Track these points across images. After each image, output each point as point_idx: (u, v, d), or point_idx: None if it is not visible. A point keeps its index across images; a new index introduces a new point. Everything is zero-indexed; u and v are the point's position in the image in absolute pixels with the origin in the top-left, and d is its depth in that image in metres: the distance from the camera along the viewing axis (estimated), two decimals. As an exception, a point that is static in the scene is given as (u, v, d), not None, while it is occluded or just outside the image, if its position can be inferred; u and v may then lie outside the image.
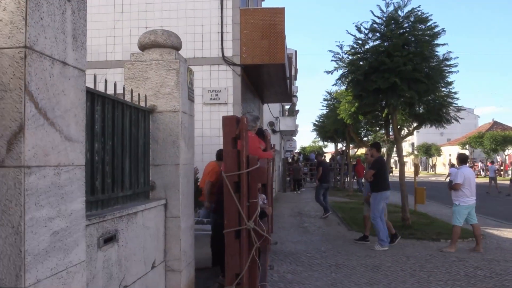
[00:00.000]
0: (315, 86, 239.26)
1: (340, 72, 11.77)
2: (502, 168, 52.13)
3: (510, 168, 51.58)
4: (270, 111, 23.19)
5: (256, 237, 5.02)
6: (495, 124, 65.31)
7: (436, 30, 10.83)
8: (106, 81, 3.64)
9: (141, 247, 4.04)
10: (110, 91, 3.83)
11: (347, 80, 11.69)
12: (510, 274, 7.21)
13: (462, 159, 9.70)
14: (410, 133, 14.64)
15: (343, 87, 13.60)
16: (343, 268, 7.51)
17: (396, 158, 52.79)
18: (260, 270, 5.49)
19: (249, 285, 4.92)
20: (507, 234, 11.26)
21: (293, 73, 22.16)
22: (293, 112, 32.86)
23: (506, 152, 47.93)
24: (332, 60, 11.65)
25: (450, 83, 11.96)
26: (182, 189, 4.78)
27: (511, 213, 16.91)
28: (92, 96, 3.38)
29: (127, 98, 4.26)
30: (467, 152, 58.93)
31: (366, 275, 7.08)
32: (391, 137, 15.48)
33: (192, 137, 5.31)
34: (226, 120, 4.97)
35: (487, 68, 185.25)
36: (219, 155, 8.28)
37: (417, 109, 13.00)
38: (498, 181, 29.99)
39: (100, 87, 3.52)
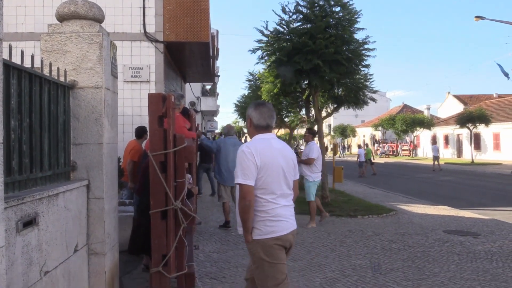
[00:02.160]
0: (237, 67, 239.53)
1: (264, 51, 11.82)
2: (410, 148, 55.62)
3: (400, 148, 55.17)
4: (192, 90, 22.91)
5: (183, 217, 4.95)
6: (405, 107, 69.34)
7: (355, 16, 11.17)
8: (22, 52, 3.36)
9: (63, 230, 3.83)
10: (27, 65, 3.54)
11: (270, 60, 11.77)
12: (421, 246, 7.74)
13: (314, 133, 9.82)
14: (330, 114, 15.10)
15: (265, 67, 13.69)
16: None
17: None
18: (187, 250, 5.44)
19: (176, 266, 4.86)
20: (416, 210, 12.05)
21: (215, 52, 21.94)
22: (214, 92, 32.69)
23: (415, 133, 51.10)
24: (255, 41, 11.67)
25: (367, 66, 12.46)
26: (106, 169, 4.58)
27: (418, 190, 18.15)
28: (7, 68, 3.11)
29: (46, 72, 3.97)
30: (379, 134, 62.18)
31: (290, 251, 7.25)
32: (311, 118, 15.91)
33: (116, 115, 5.09)
34: (152, 97, 4.80)
35: (396, 53, 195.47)
36: (139, 133, 8.04)
37: (336, 91, 13.44)
38: (404, 160, 32.06)
39: (15, 61, 3.24)
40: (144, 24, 10.37)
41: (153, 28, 10.46)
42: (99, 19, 4.57)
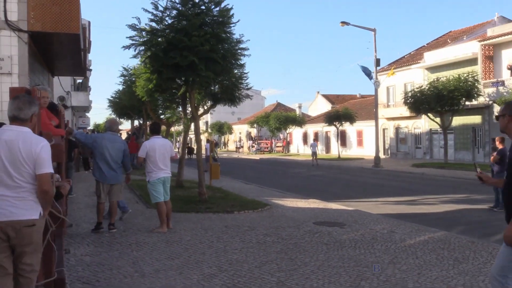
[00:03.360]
0: (112, 61, 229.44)
1: (138, 48, 11.52)
2: (282, 145, 58.15)
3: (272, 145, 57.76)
4: (61, 85, 21.52)
5: (51, 220, 4.65)
6: (279, 105, 72.20)
7: (229, 14, 11.33)
8: None
9: None
10: None
11: (145, 55, 11.51)
12: (293, 238, 8.15)
13: (153, 129, 9.09)
14: (207, 111, 15.22)
15: (141, 62, 13.36)
16: (144, 245, 7.49)
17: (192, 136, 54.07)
18: (56, 255, 5.12)
19: (44, 272, 4.55)
20: (289, 203, 12.66)
21: (87, 45, 20.83)
22: (86, 87, 31.06)
23: (288, 130, 53.49)
24: (128, 37, 11.30)
25: (242, 65, 12.80)
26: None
27: (292, 185, 19.08)
28: None
29: None
30: (254, 131, 64.06)
31: (167, 250, 7.20)
32: (188, 115, 15.89)
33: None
34: (15, 92, 4.43)
35: (271, 53, 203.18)
36: None
37: (212, 88, 13.59)
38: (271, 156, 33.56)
39: None
40: (5, 11, 9.45)
41: (15, 15, 9.59)
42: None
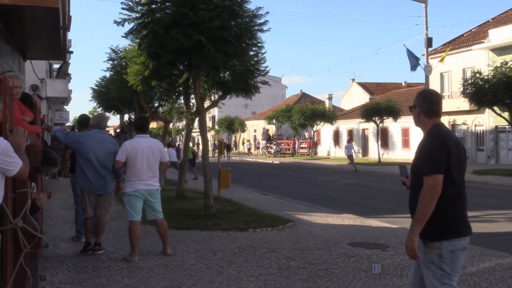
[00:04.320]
0: (96, 41, 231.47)
1: (132, 24, 11.60)
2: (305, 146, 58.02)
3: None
4: (34, 70, 21.74)
5: (26, 239, 4.71)
6: (304, 96, 72.29)
7: None
8: None
9: None
10: None
11: (141, 34, 11.57)
12: (323, 263, 8.14)
13: (138, 126, 8.79)
14: (215, 104, 15.25)
15: (134, 43, 13.43)
16: (138, 271, 7.54)
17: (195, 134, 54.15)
18: (30, 282, 5.18)
19: (16, 303, 4.61)
20: (317, 219, 12.65)
21: (66, 21, 21.04)
22: (65, 74, 31.38)
23: (315, 127, 53.09)
24: (123, 8, 11.37)
25: (261, 43, 12.64)
26: None
27: (319, 195, 19.05)
28: None
29: None
30: (273, 128, 64.08)
31: (167, 276, 7.25)
32: (191, 108, 15.95)
33: None
34: (-19, 80, 4.49)
35: (293, 32, 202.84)
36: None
37: (222, 75, 13.60)
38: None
39: None
40: (-35, -21, 9.61)
41: (-22, -15, 9.73)
42: None
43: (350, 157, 33.75)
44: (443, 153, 4.10)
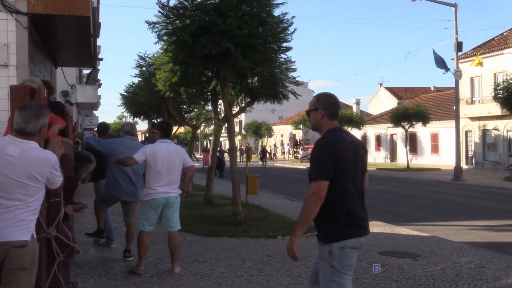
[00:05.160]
0: (125, 48, 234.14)
1: (162, 28, 11.72)
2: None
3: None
4: (65, 77, 22.08)
5: (59, 248, 4.77)
6: (331, 100, 71.78)
7: None
8: None
9: None
10: None
11: (170, 40, 11.68)
12: (354, 272, 8.03)
13: (164, 130, 8.18)
14: (243, 110, 15.29)
15: (163, 50, 13.55)
16: (168, 278, 7.58)
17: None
18: (63, 289, 5.24)
19: (49, 311, 4.67)
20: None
21: (96, 29, 21.34)
22: (95, 80, 31.77)
23: (342, 132, 52.87)
24: (156, 15, 11.52)
25: (289, 49, 12.62)
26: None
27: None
28: None
29: None
30: (300, 133, 63.95)
31: (197, 285, 7.26)
32: (219, 114, 16.02)
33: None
34: (16, 91, 4.58)
35: (320, 36, 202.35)
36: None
37: (250, 81, 13.63)
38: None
39: None
40: (1, -10, 9.81)
41: (13, -5, 9.93)
42: None
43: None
44: (331, 159, 4.20)
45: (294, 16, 11.83)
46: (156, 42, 12.28)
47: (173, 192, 7.80)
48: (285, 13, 11.79)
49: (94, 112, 41.27)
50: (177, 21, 11.26)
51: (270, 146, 70.76)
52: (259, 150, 64.51)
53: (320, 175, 4.21)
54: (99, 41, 29.65)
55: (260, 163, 47.63)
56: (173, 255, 7.94)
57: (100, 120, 43.84)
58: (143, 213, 7.84)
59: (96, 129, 40.10)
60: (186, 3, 11.33)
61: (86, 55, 15.14)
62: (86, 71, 33.12)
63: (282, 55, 12.83)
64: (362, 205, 4.49)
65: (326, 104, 4.47)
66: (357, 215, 4.36)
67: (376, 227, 12.61)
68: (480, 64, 32.80)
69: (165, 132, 8.19)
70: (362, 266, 8.45)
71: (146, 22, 11.72)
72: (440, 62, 30.59)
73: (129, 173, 8.54)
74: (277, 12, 11.68)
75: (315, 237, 10.79)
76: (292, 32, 11.96)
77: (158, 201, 7.69)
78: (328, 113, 4.45)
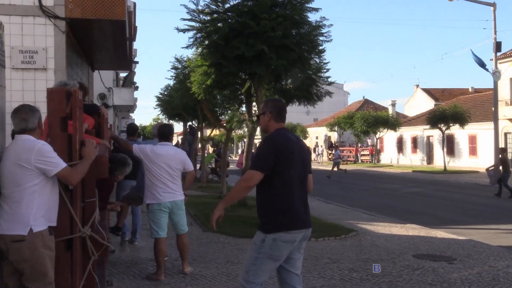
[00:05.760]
0: (161, 51, 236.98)
1: (194, 33, 11.84)
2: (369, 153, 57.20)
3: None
4: (102, 80, 22.45)
5: (94, 247, 4.86)
6: (366, 102, 71.33)
7: None
8: None
9: None
10: None
11: (203, 44, 11.79)
12: (387, 274, 8.00)
13: (161, 133, 8.04)
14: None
15: (197, 53, 13.69)
16: (201, 279, 7.63)
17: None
18: (98, 288, 5.34)
19: (84, 309, 4.76)
20: (380, 229, 12.44)
21: (132, 33, 21.64)
22: (131, 83, 32.20)
23: (378, 134, 52.38)
24: (182, 19, 11.63)
25: (322, 51, 12.66)
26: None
27: (382, 204, 18.75)
28: None
29: None
30: (335, 135, 63.60)
31: (229, 285, 7.31)
32: (253, 116, 16.05)
33: (3, 113, 4.92)
34: (53, 94, 4.69)
35: (356, 38, 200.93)
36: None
37: (283, 83, 13.66)
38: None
39: None
40: (39, -5, 10.04)
41: (51, 0, 10.15)
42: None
43: (336, 164, 34.77)
44: (271, 154, 4.59)
45: (332, 24, 11.88)
46: (185, 47, 12.46)
47: (178, 195, 7.66)
48: (323, 18, 11.79)
49: (131, 114, 41.84)
50: (209, 25, 11.36)
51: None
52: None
53: (256, 165, 4.63)
54: (135, 45, 30.03)
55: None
56: (183, 255, 7.94)
57: (136, 123, 44.39)
58: (153, 219, 7.62)
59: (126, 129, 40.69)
60: (215, 7, 11.42)
61: (122, 58, 15.38)
62: (123, 74, 33.61)
63: (316, 58, 12.85)
64: (304, 202, 4.79)
65: (273, 108, 4.92)
66: (295, 210, 4.67)
67: (411, 230, 12.48)
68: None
69: (166, 135, 7.96)
70: (396, 269, 8.37)
71: (176, 28, 11.87)
72: (479, 63, 30.06)
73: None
74: (314, 17, 11.70)
75: (348, 239, 10.81)
76: (328, 40, 12.01)
77: (165, 204, 7.57)
78: (274, 116, 4.90)
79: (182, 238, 7.90)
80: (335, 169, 34.36)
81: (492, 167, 23.51)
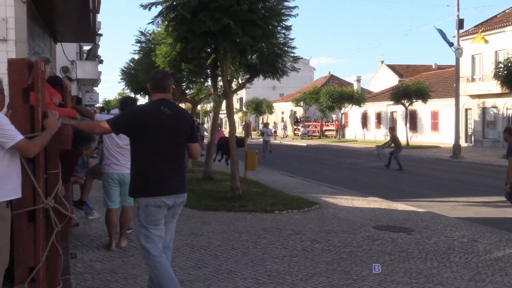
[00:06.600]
0: (125, 24, 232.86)
1: (160, 8, 11.68)
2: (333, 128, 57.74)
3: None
4: (64, 52, 22.04)
5: (57, 218, 4.86)
6: (332, 78, 71.67)
7: None
8: None
9: None
10: None
11: (169, 17, 11.65)
12: (348, 245, 8.20)
13: (123, 106, 7.79)
14: (242, 86, 15.30)
15: (163, 27, 13.52)
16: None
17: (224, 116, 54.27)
18: (62, 260, 5.35)
19: (48, 280, 4.77)
20: (343, 202, 12.68)
21: (96, 4, 21.25)
22: (95, 56, 31.69)
23: (343, 110, 52.77)
24: None
25: (289, 27, 12.68)
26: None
27: (346, 178, 19.05)
28: None
29: None
30: (301, 110, 63.89)
31: (193, 257, 7.39)
32: (219, 90, 16.03)
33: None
34: (15, 64, 4.61)
35: (323, 15, 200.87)
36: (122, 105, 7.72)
37: (249, 57, 13.63)
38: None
39: None
40: (-1, -36, 9.78)
41: (11, -31, 9.90)
42: None
43: (266, 142, 31.30)
44: (127, 118, 5.10)
45: None
46: (151, 22, 12.24)
47: (127, 168, 7.15)
48: None
49: (95, 88, 41.23)
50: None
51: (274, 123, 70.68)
52: (260, 127, 64.31)
53: (111, 119, 5.09)
54: (99, 17, 29.49)
55: (261, 139, 47.51)
56: (122, 229, 7.91)
57: (100, 97, 43.72)
58: (104, 190, 7.77)
59: (98, 105, 39.99)
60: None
61: (86, 30, 15.12)
62: (86, 47, 33.05)
63: (281, 31, 12.82)
64: (175, 168, 5.05)
65: (151, 80, 5.19)
66: (163, 175, 4.96)
67: (372, 202, 12.75)
68: (485, 41, 32.48)
69: (125, 108, 7.43)
70: (357, 240, 8.59)
71: (141, 5, 11.70)
72: (446, 39, 30.38)
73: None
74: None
75: (311, 212, 11.00)
76: (294, 14, 11.97)
77: (112, 176, 7.61)
78: (152, 87, 5.16)
79: (126, 211, 7.84)
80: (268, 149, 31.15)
81: (384, 146, 24.71)
